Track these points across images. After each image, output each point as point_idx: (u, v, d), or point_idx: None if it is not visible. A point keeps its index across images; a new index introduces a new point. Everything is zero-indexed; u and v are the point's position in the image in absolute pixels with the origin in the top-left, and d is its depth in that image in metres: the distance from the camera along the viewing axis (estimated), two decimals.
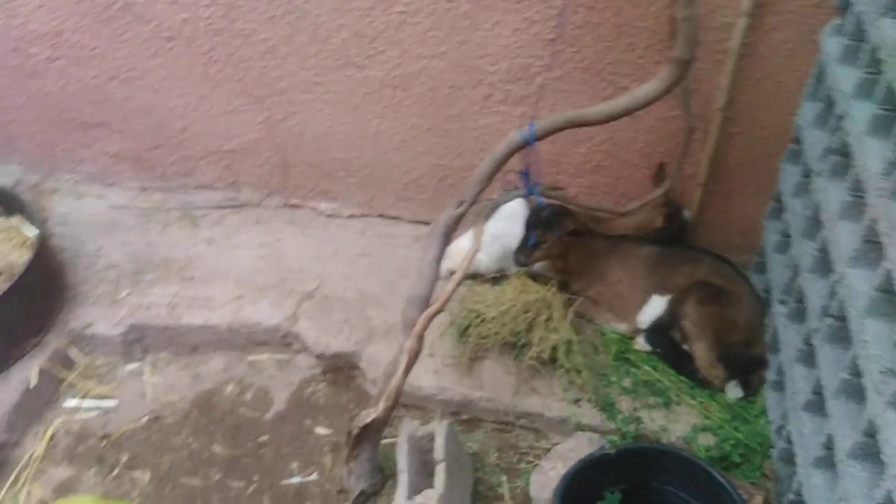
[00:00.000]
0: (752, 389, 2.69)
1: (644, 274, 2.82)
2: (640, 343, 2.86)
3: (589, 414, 2.67)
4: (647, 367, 2.79)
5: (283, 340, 3.13)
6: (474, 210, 2.48)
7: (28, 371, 2.88)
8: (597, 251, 2.89)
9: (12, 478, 2.67)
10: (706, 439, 2.57)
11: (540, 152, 2.39)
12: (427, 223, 3.47)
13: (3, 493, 2.59)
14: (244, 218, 3.60)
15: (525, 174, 2.42)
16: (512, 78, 2.91)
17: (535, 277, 2.92)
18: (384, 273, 3.29)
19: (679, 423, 2.62)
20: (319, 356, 3.05)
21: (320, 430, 2.87)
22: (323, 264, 3.35)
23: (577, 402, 2.70)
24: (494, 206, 2.63)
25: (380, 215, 3.56)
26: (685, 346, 2.76)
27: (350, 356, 3.00)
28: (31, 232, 3.09)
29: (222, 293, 3.20)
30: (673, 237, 2.99)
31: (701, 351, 2.68)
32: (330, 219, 3.59)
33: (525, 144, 2.24)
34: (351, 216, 3.57)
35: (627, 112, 2.27)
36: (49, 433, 2.84)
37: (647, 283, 2.81)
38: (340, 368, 3.06)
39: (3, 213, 3.19)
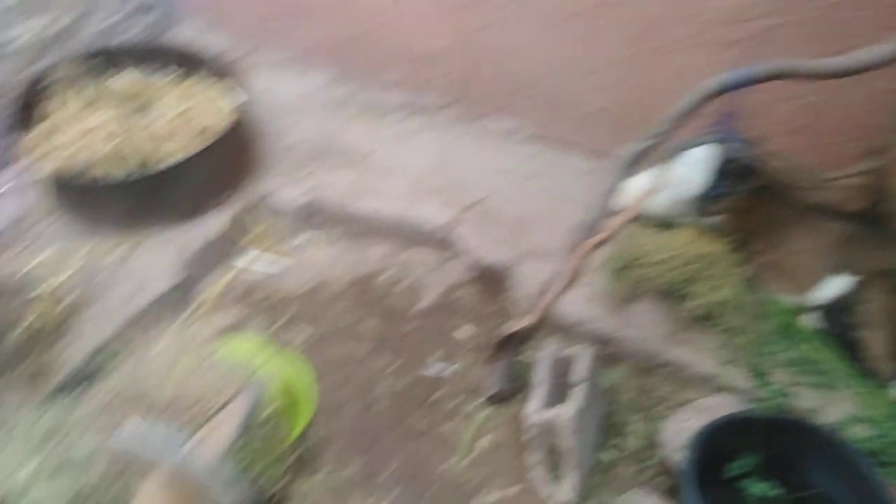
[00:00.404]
0: None
1: (833, 249, 2.65)
2: (811, 319, 2.71)
3: (738, 378, 2.58)
4: (811, 345, 2.65)
5: (442, 243, 3.24)
6: (660, 149, 2.42)
7: (215, 223, 3.17)
8: (785, 216, 2.73)
9: (186, 314, 2.99)
10: (859, 431, 2.43)
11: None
12: (603, 157, 3.42)
13: (176, 325, 2.90)
14: (424, 121, 3.70)
15: (726, 120, 2.31)
16: (731, 18, 2.75)
17: (711, 230, 2.82)
18: (549, 199, 3.29)
19: (833, 408, 2.49)
20: (473, 265, 3.13)
21: (462, 332, 2.98)
22: (491, 179, 3.40)
23: (728, 363, 2.62)
24: (682, 149, 2.55)
25: (556, 141, 3.53)
26: (860, 332, 2.59)
27: (502, 270, 3.07)
28: (234, 99, 3.34)
29: (394, 188, 3.34)
30: (871, 221, 2.76)
31: (877, 340, 2.51)
32: (505, 136, 3.61)
33: (732, 88, 2.14)
34: (527, 137, 3.58)
35: (855, 71, 2.11)
36: (224, 281, 3.14)
37: (834, 260, 2.64)
38: (490, 280, 3.14)
39: (210, 78, 3.47)
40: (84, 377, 2.67)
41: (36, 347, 2.70)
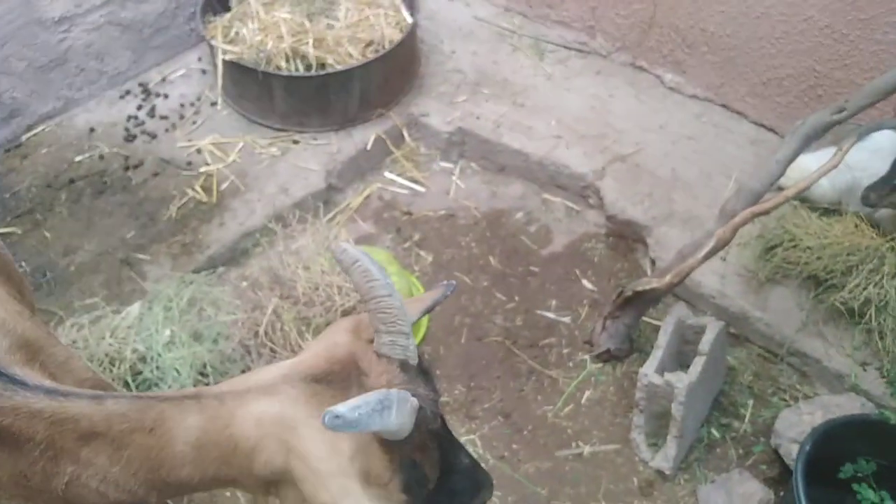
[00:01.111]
0: None
1: None
2: None
3: (872, 382, 2.41)
4: None
5: (582, 191, 3.18)
6: (844, 128, 2.23)
7: (368, 135, 3.29)
8: None
9: (329, 216, 3.14)
10: None
11: None
12: (772, 130, 3.20)
13: (317, 225, 3.05)
14: (588, 64, 3.60)
15: None
16: None
17: (873, 224, 2.60)
18: (705, 163, 3.14)
19: None
20: (611, 218, 3.06)
21: (586, 283, 2.95)
22: (646, 134, 3.28)
23: (864, 365, 2.44)
24: (869, 131, 2.34)
25: (723, 105, 3.33)
26: None
27: (640, 228, 2.98)
28: (406, 17, 3.38)
29: (544, 128, 3.30)
30: None
31: None
32: (670, 91, 3.45)
33: None
34: (693, 96, 3.40)
35: None
36: (366, 192, 3.26)
37: None
38: (625, 237, 3.06)
39: None
40: (228, 259, 2.90)
41: (190, 224, 2.95)
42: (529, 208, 3.24)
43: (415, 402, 1.13)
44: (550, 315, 2.86)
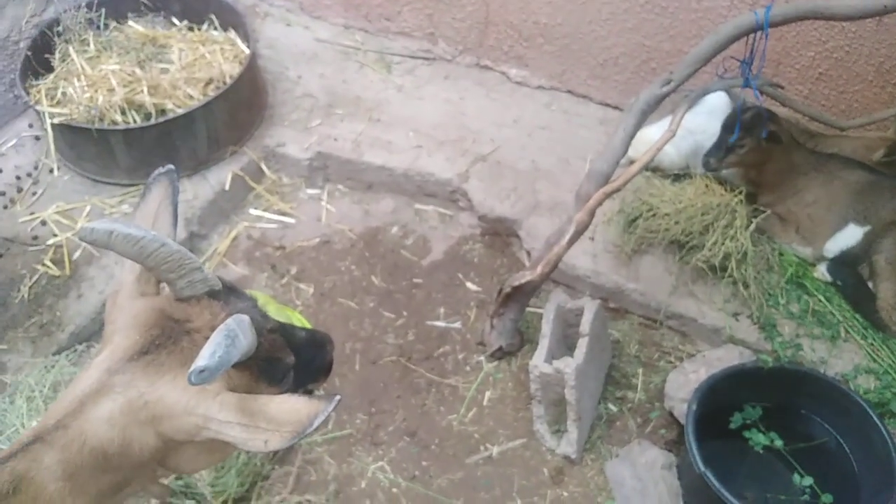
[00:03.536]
0: None
1: (846, 200, 2.57)
2: (821, 271, 2.66)
3: (746, 330, 2.55)
4: (820, 297, 2.60)
5: (451, 196, 3.20)
6: (672, 97, 2.34)
7: (224, 174, 3.17)
8: (798, 165, 2.65)
9: None
10: (867, 382, 2.40)
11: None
12: (616, 108, 3.33)
13: None
14: (435, 71, 3.63)
15: (747, 63, 2.21)
16: None
17: (721, 182, 2.75)
18: (561, 149, 3.23)
19: (842, 359, 2.46)
20: (482, 217, 3.10)
21: (470, 286, 2.97)
22: (501, 130, 3.34)
23: (736, 315, 2.58)
24: (698, 96, 2.46)
25: (569, 91, 3.45)
26: (870, 284, 2.53)
27: (511, 223, 3.03)
28: (244, 49, 3.29)
29: (403, 139, 3.30)
30: (888, 171, 2.67)
31: (888, 292, 2.45)
32: (518, 86, 3.54)
33: (756, 29, 2.04)
34: (539, 87, 3.50)
35: (884, 11, 1.99)
36: (233, 234, 3.14)
37: (847, 210, 2.57)
38: (499, 233, 3.11)
39: (220, 27, 3.42)
40: (92, 331, 2.71)
41: (45, 302, 2.74)
42: (404, 221, 3.22)
43: (247, 318, 1.17)
44: (441, 324, 2.85)
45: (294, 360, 1.34)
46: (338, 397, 1.15)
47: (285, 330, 1.37)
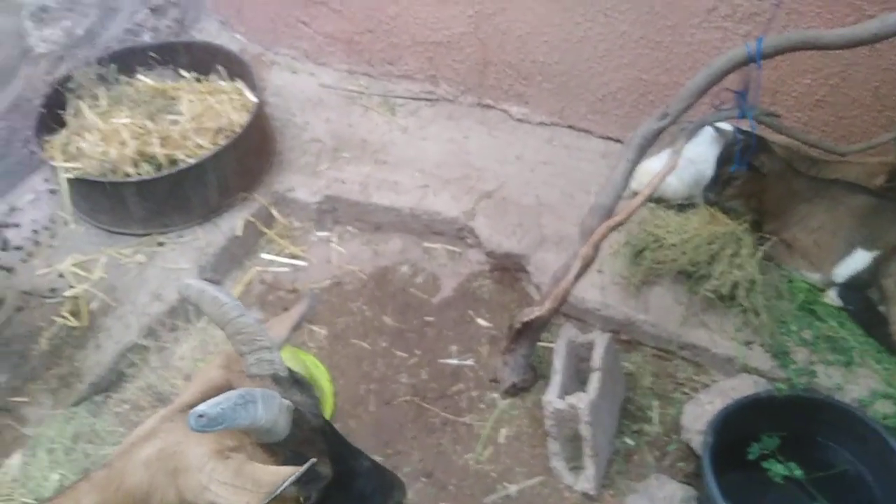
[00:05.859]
0: None
1: (852, 224, 2.58)
2: (832, 297, 2.66)
3: (759, 358, 2.55)
4: (832, 323, 2.60)
5: (459, 233, 3.24)
6: (672, 129, 2.37)
7: (235, 221, 3.22)
8: (800, 192, 2.67)
9: None
10: (884, 407, 2.38)
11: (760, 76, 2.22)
12: (618, 141, 3.38)
13: (200, 323, 2.95)
14: (438, 112, 3.70)
15: (742, 94, 2.25)
16: None
17: (726, 211, 2.78)
18: (564, 184, 3.27)
19: (857, 384, 2.45)
20: (490, 254, 3.13)
21: (481, 322, 2.99)
22: (505, 167, 3.39)
23: (748, 343, 2.58)
24: (697, 127, 2.50)
25: (569, 126, 3.50)
26: (881, 308, 2.53)
27: (519, 258, 3.06)
28: (251, 97, 3.37)
29: (409, 180, 3.35)
30: (891, 195, 2.69)
31: None
32: (519, 123, 3.59)
33: (748, 61, 2.08)
34: (540, 123, 3.55)
35: (874, 40, 2.03)
36: (246, 279, 3.18)
37: (854, 235, 2.58)
38: (508, 269, 3.14)
39: (228, 77, 3.51)
40: (111, 381, 2.75)
41: (64, 353, 2.78)
42: (413, 260, 3.26)
43: (285, 401, 1.20)
44: (454, 361, 2.87)
45: (331, 473, 1.30)
46: (313, 460, 1.17)
47: (342, 445, 1.39)
